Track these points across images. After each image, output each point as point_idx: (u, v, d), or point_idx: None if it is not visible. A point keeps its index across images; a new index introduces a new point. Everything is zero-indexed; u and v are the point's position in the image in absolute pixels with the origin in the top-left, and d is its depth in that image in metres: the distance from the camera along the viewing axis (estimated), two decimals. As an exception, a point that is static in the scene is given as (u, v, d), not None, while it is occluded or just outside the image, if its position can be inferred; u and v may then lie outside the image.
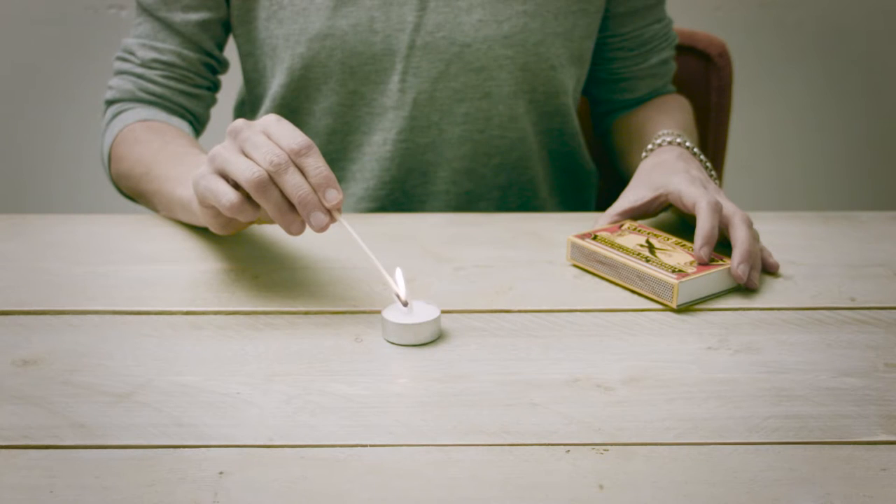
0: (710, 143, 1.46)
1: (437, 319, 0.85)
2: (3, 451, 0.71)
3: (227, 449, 0.71)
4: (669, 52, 1.32)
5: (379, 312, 0.87)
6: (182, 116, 1.21)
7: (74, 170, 2.17)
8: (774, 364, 0.82)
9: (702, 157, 1.10)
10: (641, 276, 0.92)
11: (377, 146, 1.21)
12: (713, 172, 1.10)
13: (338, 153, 1.23)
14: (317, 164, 0.84)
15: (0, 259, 1.00)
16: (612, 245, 0.96)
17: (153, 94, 1.20)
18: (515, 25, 1.18)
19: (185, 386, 0.79)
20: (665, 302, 0.91)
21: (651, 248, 0.96)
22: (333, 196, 0.84)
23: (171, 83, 1.20)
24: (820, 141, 2.23)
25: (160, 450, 0.71)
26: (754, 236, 0.97)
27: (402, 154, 1.21)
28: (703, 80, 1.45)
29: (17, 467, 0.70)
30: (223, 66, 1.25)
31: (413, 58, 1.17)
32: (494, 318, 0.89)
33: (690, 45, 1.43)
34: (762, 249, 0.98)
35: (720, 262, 0.93)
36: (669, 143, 1.10)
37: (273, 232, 1.06)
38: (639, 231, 0.99)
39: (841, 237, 1.05)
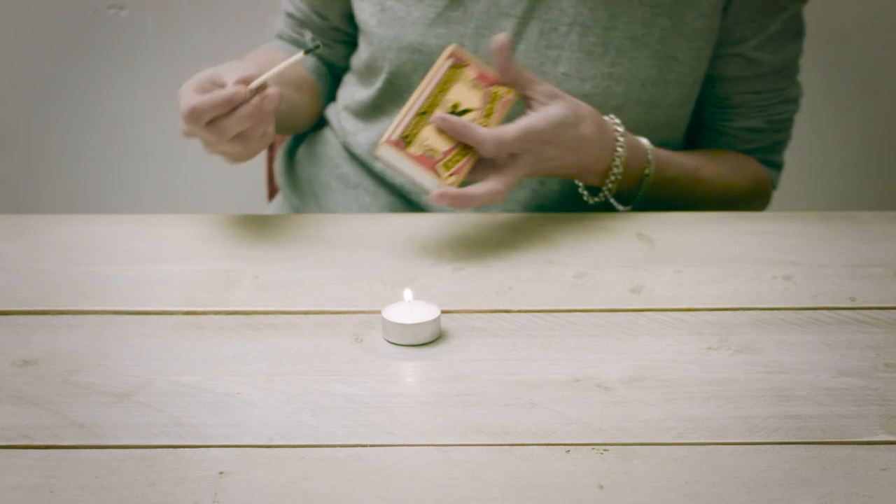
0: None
1: (437, 319, 0.85)
2: (3, 451, 0.71)
3: (227, 449, 0.71)
4: (758, 122, 1.22)
5: (379, 312, 0.87)
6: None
7: (74, 170, 2.17)
8: (774, 364, 0.82)
9: (620, 162, 1.08)
10: (405, 114, 1.00)
11: None
12: (614, 177, 1.08)
13: None
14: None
15: (0, 259, 1.00)
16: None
17: (280, 35, 1.32)
18: (597, 87, 1.13)
19: (185, 386, 0.79)
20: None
21: (455, 110, 1.01)
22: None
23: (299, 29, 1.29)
24: (820, 141, 2.23)
25: (160, 450, 0.71)
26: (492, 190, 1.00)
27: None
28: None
29: (17, 467, 0.70)
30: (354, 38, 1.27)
31: None
32: (494, 318, 0.89)
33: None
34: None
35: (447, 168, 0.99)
36: (620, 132, 1.08)
37: (273, 232, 1.06)
38: (477, 87, 1.04)
39: (841, 237, 1.05)
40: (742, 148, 1.24)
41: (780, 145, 1.26)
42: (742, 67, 1.18)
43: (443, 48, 1.14)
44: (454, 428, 0.74)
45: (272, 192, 1.58)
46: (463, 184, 1.00)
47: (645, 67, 1.14)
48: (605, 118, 1.09)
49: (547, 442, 0.72)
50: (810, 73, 2.16)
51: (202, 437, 0.73)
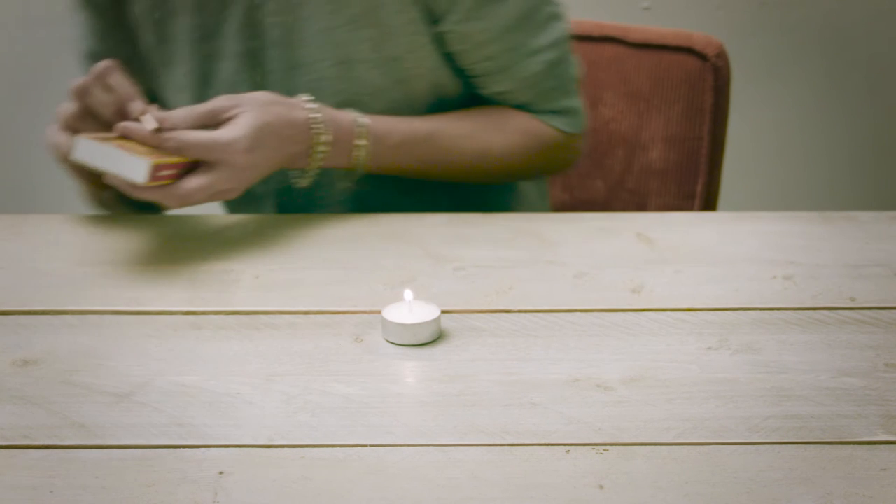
0: (708, 143, 1.46)
1: (437, 319, 0.85)
2: (3, 451, 0.71)
3: (227, 449, 0.71)
4: (507, 85, 1.17)
5: (379, 312, 0.87)
6: None
7: (74, 170, 2.17)
8: (774, 364, 0.82)
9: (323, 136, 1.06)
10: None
11: None
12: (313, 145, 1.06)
13: None
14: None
15: (0, 259, 1.00)
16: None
17: None
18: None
19: (185, 386, 0.79)
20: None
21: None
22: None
23: None
24: (820, 141, 2.23)
25: (160, 450, 0.71)
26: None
27: None
28: (700, 80, 1.45)
29: (17, 467, 0.70)
30: None
31: None
32: (494, 318, 0.89)
33: (688, 46, 1.44)
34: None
35: (144, 153, 0.96)
36: (312, 108, 1.07)
37: (273, 232, 1.06)
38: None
39: (841, 237, 1.05)
40: (512, 104, 1.19)
41: (554, 92, 1.19)
42: (459, 41, 1.15)
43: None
44: (454, 428, 0.74)
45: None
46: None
47: (372, 79, 1.13)
48: (293, 99, 1.06)
49: (547, 442, 0.72)
50: (812, 72, 2.16)
51: (202, 437, 0.73)
